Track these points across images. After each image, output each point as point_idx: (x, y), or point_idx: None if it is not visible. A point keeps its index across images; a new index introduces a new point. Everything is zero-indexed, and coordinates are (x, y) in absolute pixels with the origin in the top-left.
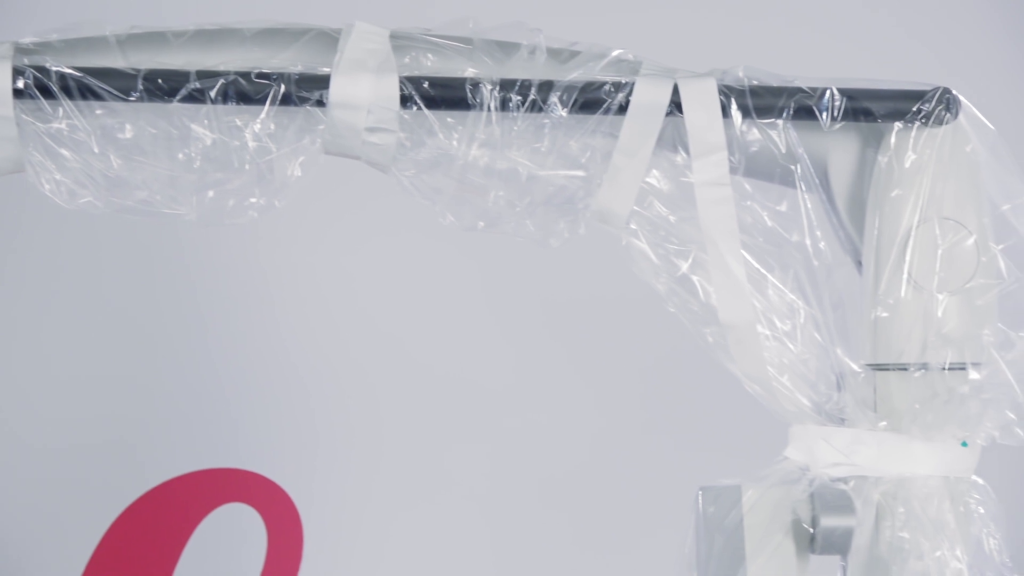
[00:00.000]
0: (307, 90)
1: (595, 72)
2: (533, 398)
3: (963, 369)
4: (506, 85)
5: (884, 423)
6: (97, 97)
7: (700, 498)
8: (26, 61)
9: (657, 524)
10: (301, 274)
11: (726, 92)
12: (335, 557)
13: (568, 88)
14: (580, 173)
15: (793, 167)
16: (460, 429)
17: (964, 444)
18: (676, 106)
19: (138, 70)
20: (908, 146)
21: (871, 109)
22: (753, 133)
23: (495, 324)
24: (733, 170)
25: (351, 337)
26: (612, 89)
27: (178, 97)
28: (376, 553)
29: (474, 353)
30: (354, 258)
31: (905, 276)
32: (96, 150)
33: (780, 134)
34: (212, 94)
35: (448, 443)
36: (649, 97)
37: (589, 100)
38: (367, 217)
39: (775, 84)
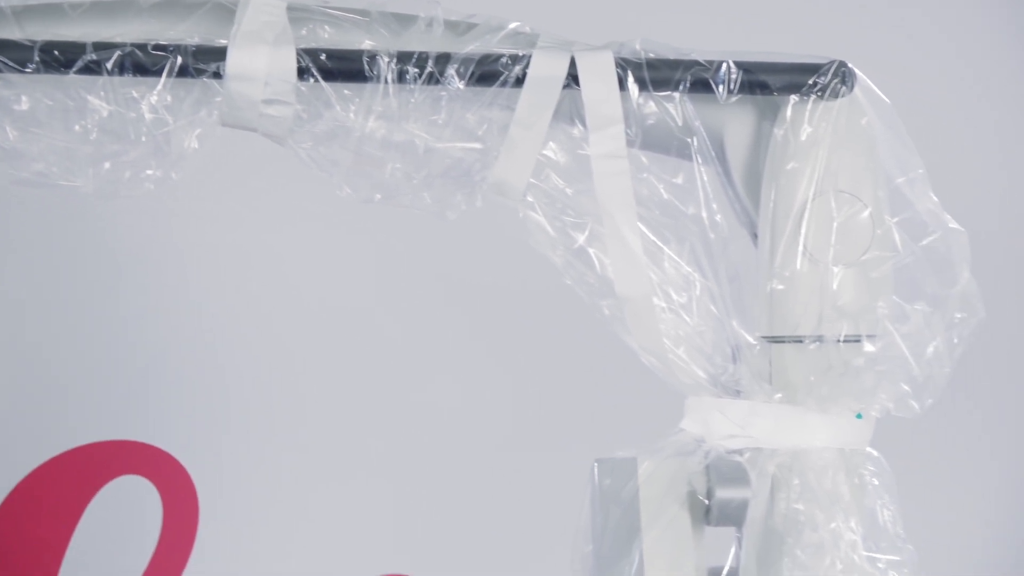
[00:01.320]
0: (204, 62)
1: (492, 45)
2: (439, 373)
3: (858, 341)
4: (403, 57)
5: (779, 395)
6: None
7: (596, 470)
8: None
9: (555, 496)
10: (202, 249)
11: (623, 65)
12: (230, 531)
13: (465, 61)
14: (477, 145)
15: (689, 140)
16: (365, 405)
17: (859, 416)
18: (573, 79)
19: (34, 42)
20: (804, 119)
21: (767, 82)
22: (650, 106)
23: (407, 301)
24: (630, 143)
25: (250, 311)
26: (509, 62)
27: (74, 69)
28: (272, 527)
29: (382, 330)
30: (272, 236)
31: (801, 249)
32: None
33: (677, 107)
34: (109, 66)
35: (352, 418)
36: (546, 70)
37: (486, 73)
38: (287, 195)
39: (672, 57)
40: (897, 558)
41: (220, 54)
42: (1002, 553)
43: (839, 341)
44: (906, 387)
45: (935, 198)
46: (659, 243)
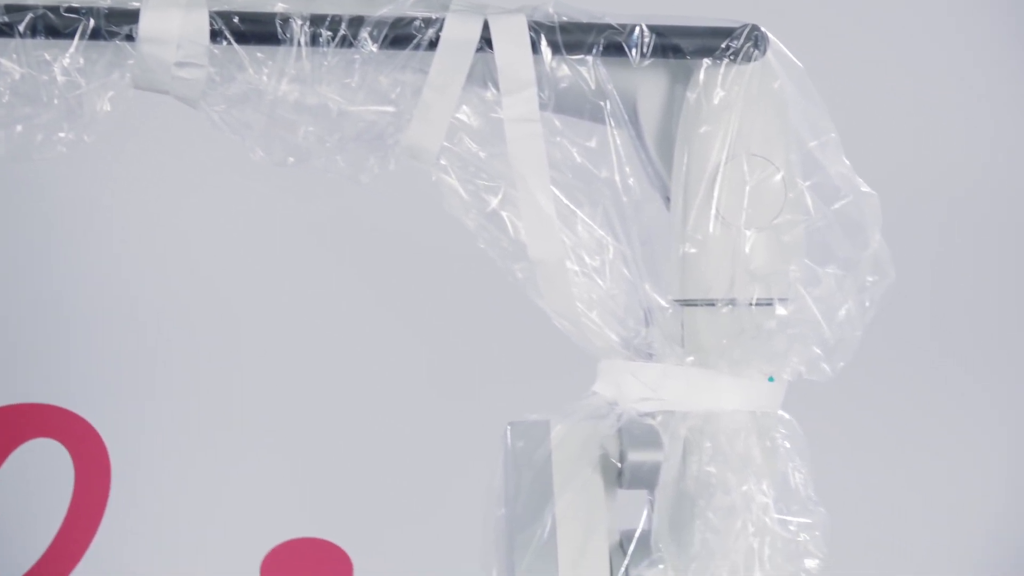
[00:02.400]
0: (116, 25)
1: (405, 8)
2: (356, 337)
3: (770, 305)
4: (316, 20)
5: (692, 358)
6: None
7: (508, 433)
8: None
9: (467, 460)
10: (126, 211)
11: (536, 28)
12: (142, 494)
13: (378, 24)
14: (390, 109)
15: (603, 103)
16: (282, 370)
17: (771, 379)
18: (486, 42)
19: None
20: (716, 83)
21: (680, 46)
22: (563, 69)
23: (327, 268)
24: (543, 106)
25: (167, 273)
26: (422, 25)
27: None
28: (185, 492)
29: (305, 297)
30: (195, 200)
31: (713, 212)
32: None
33: (590, 70)
34: (20, 28)
35: (270, 383)
36: (459, 33)
37: (399, 36)
38: (210, 158)
39: (585, 20)
40: (808, 521)
41: (133, 17)
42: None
43: (751, 304)
44: (818, 350)
45: (847, 162)
46: (572, 207)
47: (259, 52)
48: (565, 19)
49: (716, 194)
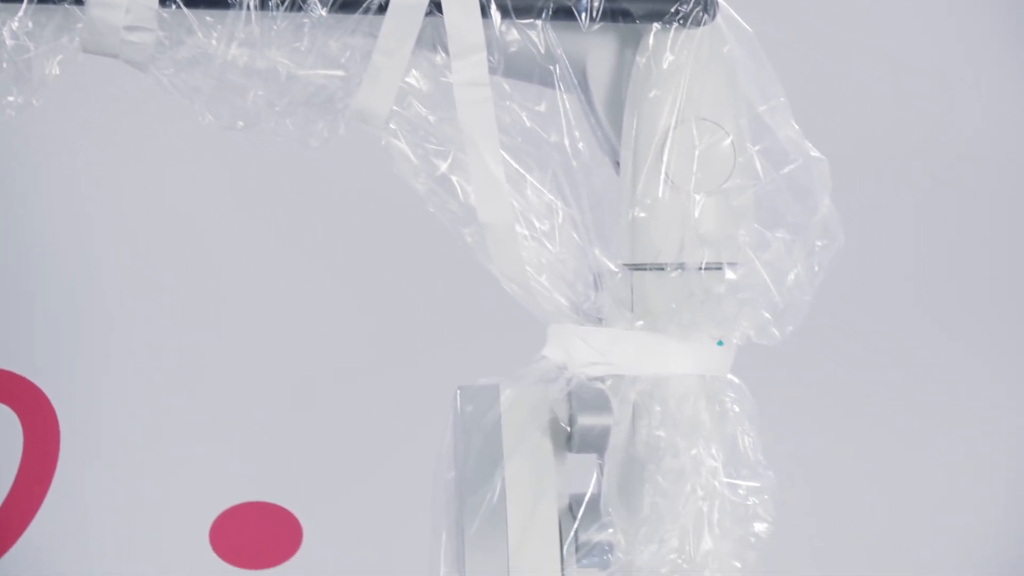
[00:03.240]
0: None
1: None
2: (303, 298)
3: (719, 269)
4: None
5: (641, 323)
6: None
7: (458, 397)
8: None
9: (417, 424)
10: (83, 175)
11: None
12: (91, 461)
13: None
14: (340, 73)
15: (552, 68)
16: (223, 337)
17: (720, 344)
18: (436, 6)
19: None
20: (666, 47)
21: (629, 10)
22: (512, 33)
23: (265, 233)
24: (492, 70)
25: (125, 240)
26: None
27: None
28: (132, 456)
29: (242, 265)
30: (144, 166)
31: (663, 177)
32: None
33: (539, 35)
34: None
35: (211, 349)
36: None
37: (349, 0)
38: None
39: None
40: (757, 484)
41: None
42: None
43: (700, 269)
44: (767, 314)
45: (796, 126)
46: (521, 171)
47: (208, 16)
48: None
49: (665, 158)
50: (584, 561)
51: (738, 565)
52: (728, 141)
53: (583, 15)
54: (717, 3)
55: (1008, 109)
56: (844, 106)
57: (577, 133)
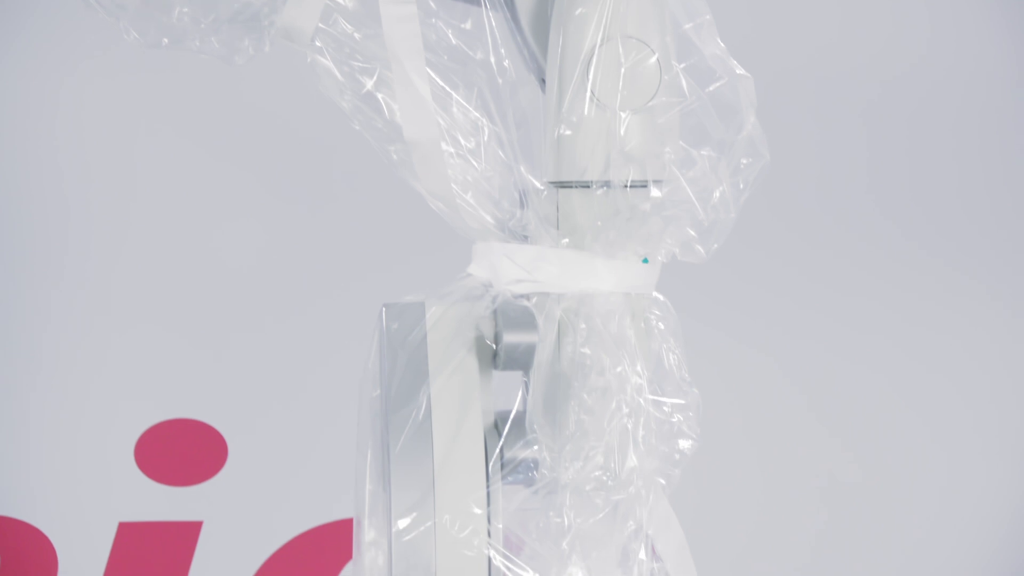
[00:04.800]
0: None
1: None
2: (227, 220)
3: (645, 187)
4: None
5: (566, 240)
6: None
7: (383, 315)
8: None
9: (342, 342)
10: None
11: None
12: (17, 375)
13: None
14: None
15: None
16: (154, 254)
17: (645, 261)
18: None
19: None
20: None
21: None
22: None
23: (198, 154)
24: None
25: (69, 159)
26: None
27: None
28: (56, 370)
29: (175, 178)
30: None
31: (588, 95)
32: None
33: None
34: None
35: (141, 266)
36: None
37: None
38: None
39: None
40: (682, 401)
41: None
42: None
43: (626, 186)
44: (692, 232)
45: (722, 44)
46: (447, 88)
47: None
48: None
49: (591, 76)
50: (509, 478)
51: (663, 482)
52: (654, 59)
53: None
54: None
55: (957, 19)
56: (795, 20)
57: (503, 51)
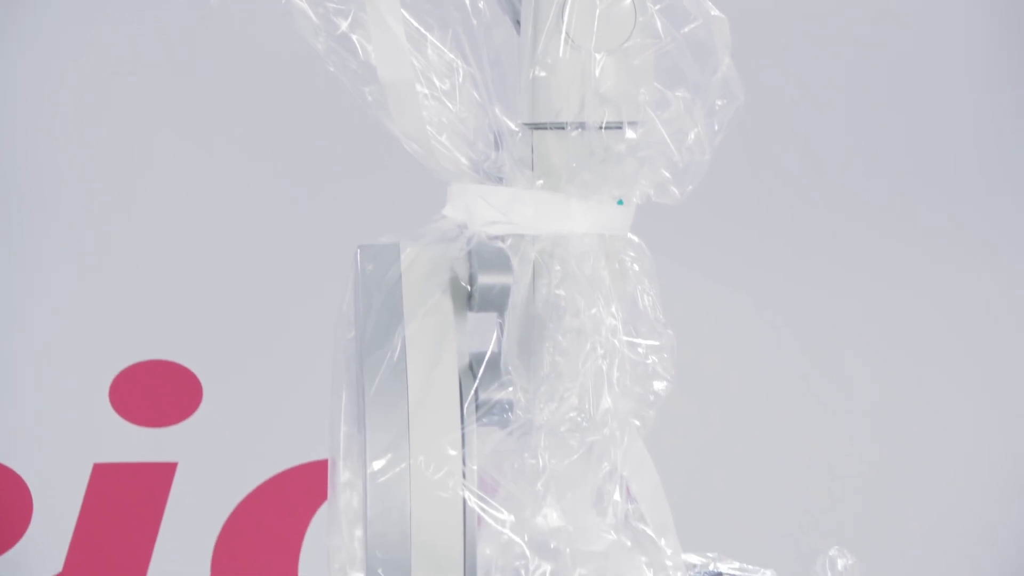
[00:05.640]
0: None
1: None
2: (195, 159)
3: (620, 128)
4: None
5: (541, 182)
6: None
7: (358, 256)
8: None
9: (317, 283)
10: None
11: None
12: None
13: None
14: None
15: None
16: (131, 194)
17: (620, 202)
18: None
19: None
20: None
21: None
22: None
23: (172, 95)
24: None
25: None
26: None
27: None
28: (32, 310)
29: (149, 121)
30: None
31: (563, 36)
32: None
33: None
34: None
35: (119, 206)
36: None
37: None
38: None
39: None
40: (656, 343)
41: None
42: (1002, 554)
43: (601, 128)
44: (667, 173)
45: None
46: (422, 30)
47: None
48: None
49: (566, 17)
50: (484, 420)
51: (637, 423)
52: (628, 0)
53: None
54: None
55: None
56: None
57: None
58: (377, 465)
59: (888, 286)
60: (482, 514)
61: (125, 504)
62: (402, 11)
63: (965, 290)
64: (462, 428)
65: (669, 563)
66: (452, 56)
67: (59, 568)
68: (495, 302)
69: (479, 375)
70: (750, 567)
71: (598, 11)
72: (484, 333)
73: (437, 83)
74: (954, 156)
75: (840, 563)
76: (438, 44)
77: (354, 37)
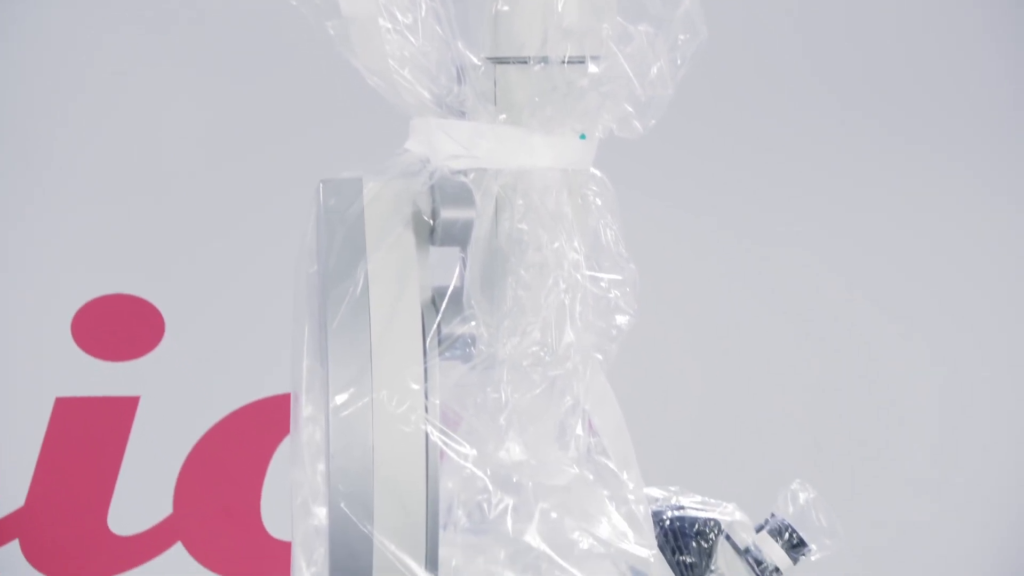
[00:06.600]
0: None
1: None
2: (164, 100)
3: (582, 63)
4: None
5: (504, 116)
6: None
7: (321, 190)
8: None
9: (279, 217)
10: None
11: None
12: None
13: None
14: None
15: None
16: (98, 134)
17: (583, 137)
18: None
19: None
20: None
21: None
22: None
23: (148, 52)
24: None
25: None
26: None
27: None
28: None
29: (125, 75)
30: None
31: None
32: None
33: None
34: None
35: (84, 143)
36: None
37: None
38: None
39: None
40: (619, 277)
41: None
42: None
43: (563, 62)
44: (629, 108)
45: None
46: None
47: None
48: None
49: None
50: (447, 354)
51: (600, 357)
52: None
53: None
54: None
55: None
56: None
57: None
58: (339, 399)
59: (848, 208)
60: (444, 448)
61: (87, 438)
62: None
63: (944, 214)
64: (424, 362)
65: (631, 496)
66: None
67: (21, 502)
68: (458, 236)
69: (442, 309)
70: (712, 501)
71: None
72: (447, 267)
73: (400, 17)
74: (920, 77)
75: (802, 496)
76: None
77: None
